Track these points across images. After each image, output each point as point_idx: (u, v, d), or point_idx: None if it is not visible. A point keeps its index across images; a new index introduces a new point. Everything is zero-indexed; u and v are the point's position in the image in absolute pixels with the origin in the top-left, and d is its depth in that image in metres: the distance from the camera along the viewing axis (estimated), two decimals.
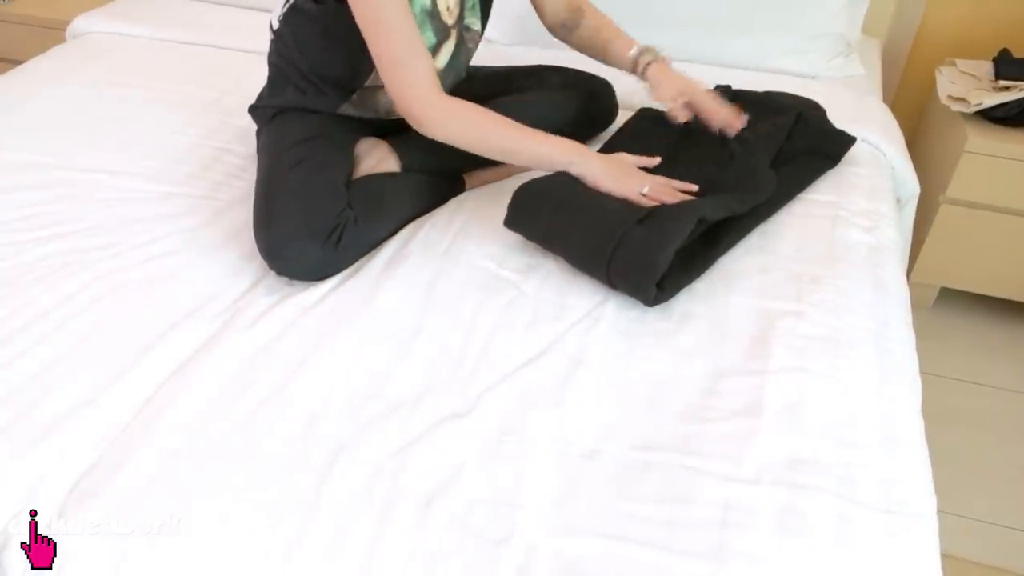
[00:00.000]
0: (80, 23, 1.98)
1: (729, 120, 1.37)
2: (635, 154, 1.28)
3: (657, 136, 1.38)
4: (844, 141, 1.46)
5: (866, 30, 1.99)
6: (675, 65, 1.79)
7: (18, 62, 1.90)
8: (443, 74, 1.32)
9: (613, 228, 1.12)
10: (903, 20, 2.04)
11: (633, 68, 1.41)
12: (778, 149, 1.36)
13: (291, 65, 1.35)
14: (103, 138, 1.52)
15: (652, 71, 1.39)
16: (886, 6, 2.03)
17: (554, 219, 1.17)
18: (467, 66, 1.40)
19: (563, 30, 1.45)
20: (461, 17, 1.32)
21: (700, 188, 1.24)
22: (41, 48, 1.93)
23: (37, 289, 1.14)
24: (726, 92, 1.50)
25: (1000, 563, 1.44)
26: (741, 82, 1.74)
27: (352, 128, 1.37)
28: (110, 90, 1.69)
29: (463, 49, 1.36)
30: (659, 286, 1.10)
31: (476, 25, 1.36)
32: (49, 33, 2.22)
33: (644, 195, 1.18)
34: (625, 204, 1.17)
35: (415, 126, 1.21)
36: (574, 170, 1.20)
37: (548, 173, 1.23)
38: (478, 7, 1.35)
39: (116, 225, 1.29)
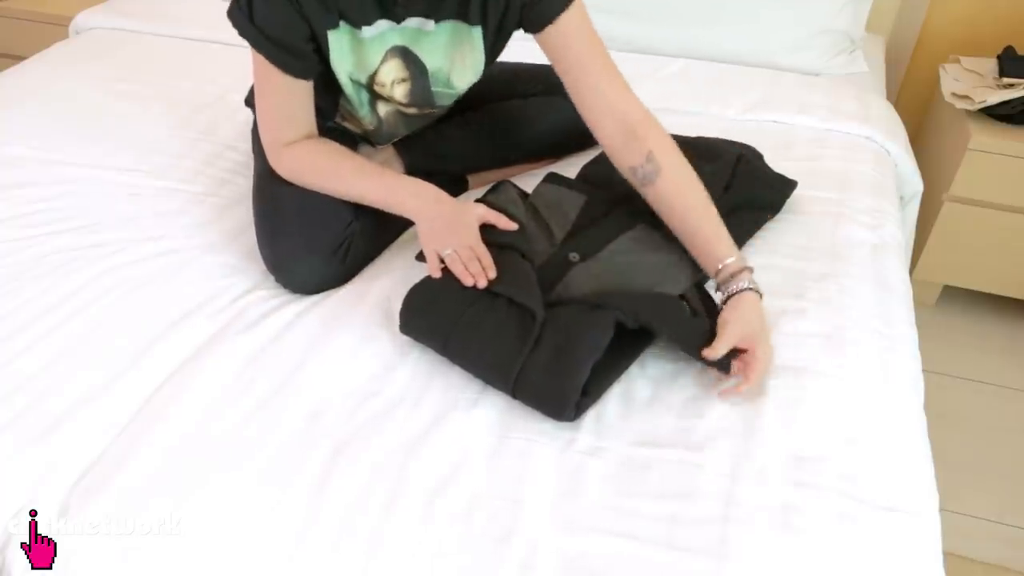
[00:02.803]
0: (83, 19, 1.98)
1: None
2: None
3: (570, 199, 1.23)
4: (785, 187, 1.31)
5: (870, 27, 1.99)
6: (679, 62, 1.80)
7: (20, 58, 1.90)
8: (402, 128, 1.29)
9: (509, 359, 0.97)
10: (907, 17, 2.04)
11: (715, 275, 1.07)
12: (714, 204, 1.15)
13: None
14: (106, 134, 1.52)
15: (730, 306, 1.03)
16: (890, 3, 2.03)
17: (449, 344, 1.02)
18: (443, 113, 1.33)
19: (635, 178, 1.12)
20: (425, 94, 1.22)
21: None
22: (43, 44, 1.93)
23: (39, 286, 1.14)
24: None
25: (1001, 561, 1.44)
26: (743, 79, 1.74)
27: (348, 133, 1.36)
28: (113, 86, 1.69)
29: (431, 115, 1.30)
30: (585, 392, 0.95)
31: (452, 98, 1.27)
32: (51, 29, 2.22)
33: (443, 260, 1.06)
34: (518, 321, 1.00)
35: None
36: (412, 218, 1.14)
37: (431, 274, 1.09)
38: (459, 92, 1.25)
39: (118, 222, 1.29)
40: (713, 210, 1.08)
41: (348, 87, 1.17)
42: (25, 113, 1.59)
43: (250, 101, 1.41)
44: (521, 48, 1.50)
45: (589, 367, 0.94)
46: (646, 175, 1.09)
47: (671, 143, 1.11)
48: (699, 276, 1.10)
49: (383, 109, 1.24)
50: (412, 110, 1.26)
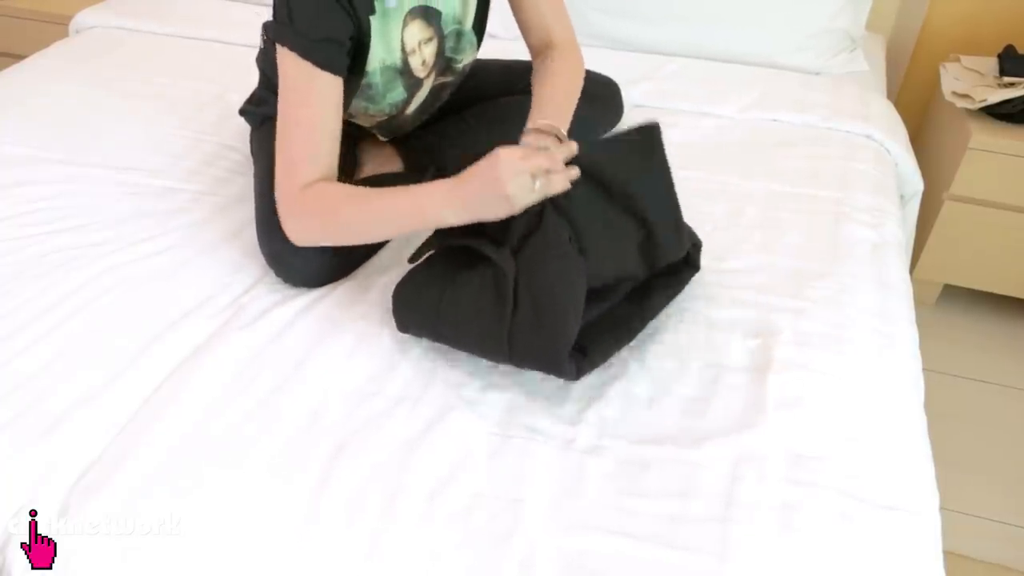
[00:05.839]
0: (82, 18, 1.98)
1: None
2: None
3: None
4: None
5: (870, 26, 1.98)
6: (678, 61, 1.80)
7: (20, 57, 1.90)
8: (414, 113, 1.29)
9: (496, 329, 0.96)
10: (907, 16, 2.04)
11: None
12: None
13: (273, 78, 1.34)
14: (106, 133, 1.52)
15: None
16: (891, 2, 2.03)
17: (439, 330, 1.02)
18: (450, 94, 1.36)
19: (534, 62, 1.28)
20: (442, 58, 1.25)
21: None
22: (43, 43, 1.93)
23: (39, 285, 1.14)
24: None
25: (1002, 560, 1.43)
26: (743, 78, 1.74)
27: (346, 133, 1.36)
28: (113, 85, 1.69)
29: (445, 85, 1.31)
30: (584, 352, 0.96)
31: (469, 58, 1.30)
32: (51, 28, 2.22)
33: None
34: (493, 287, 0.98)
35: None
36: (446, 223, 1.01)
37: (417, 265, 1.08)
38: (471, 39, 1.27)
39: (118, 221, 1.28)
40: (562, 94, 1.21)
41: (376, 76, 1.16)
42: (25, 112, 1.58)
43: (245, 110, 1.41)
44: (517, 48, 1.50)
45: (572, 315, 0.93)
46: (537, 64, 1.27)
47: (579, 56, 1.28)
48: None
49: (419, 92, 1.24)
50: (437, 78, 1.27)
